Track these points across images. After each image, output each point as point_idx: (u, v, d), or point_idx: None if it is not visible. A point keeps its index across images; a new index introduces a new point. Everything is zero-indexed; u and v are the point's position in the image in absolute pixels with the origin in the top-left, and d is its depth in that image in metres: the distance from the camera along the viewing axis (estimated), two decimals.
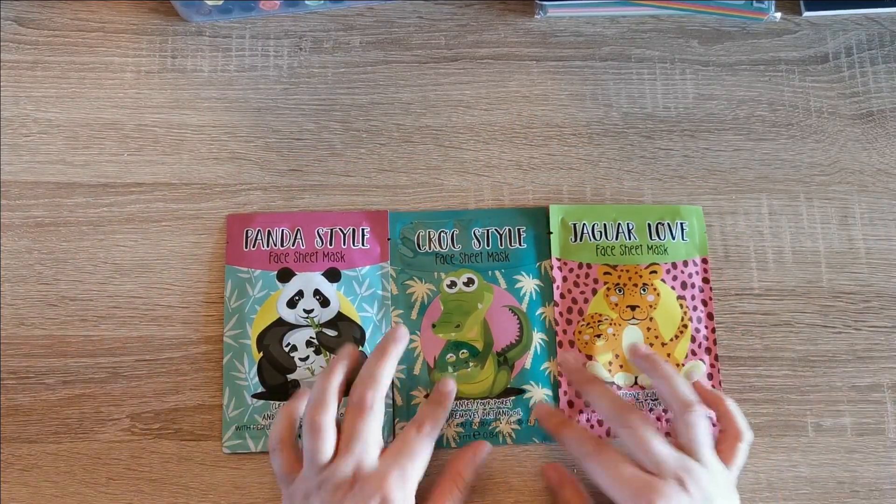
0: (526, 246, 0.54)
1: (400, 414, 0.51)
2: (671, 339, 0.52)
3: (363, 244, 0.54)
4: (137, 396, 0.51)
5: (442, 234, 0.54)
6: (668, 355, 0.52)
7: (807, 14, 0.60)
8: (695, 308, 0.53)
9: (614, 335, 0.52)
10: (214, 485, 0.50)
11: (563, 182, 0.56)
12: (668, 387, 0.47)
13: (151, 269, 0.53)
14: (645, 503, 0.42)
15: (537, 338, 0.52)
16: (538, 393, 0.52)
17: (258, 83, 0.57)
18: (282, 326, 0.52)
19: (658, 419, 0.51)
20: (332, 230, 0.54)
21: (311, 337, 0.52)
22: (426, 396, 0.51)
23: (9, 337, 0.52)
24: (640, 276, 0.53)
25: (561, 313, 0.53)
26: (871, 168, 0.57)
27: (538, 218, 0.55)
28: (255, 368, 0.51)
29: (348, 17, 0.59)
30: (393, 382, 0.51)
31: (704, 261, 0.54)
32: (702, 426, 0.45)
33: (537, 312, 0.53)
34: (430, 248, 0.54)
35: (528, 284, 0.53)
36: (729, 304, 0.54)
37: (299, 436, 0.47)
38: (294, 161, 0.56)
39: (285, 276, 0.53)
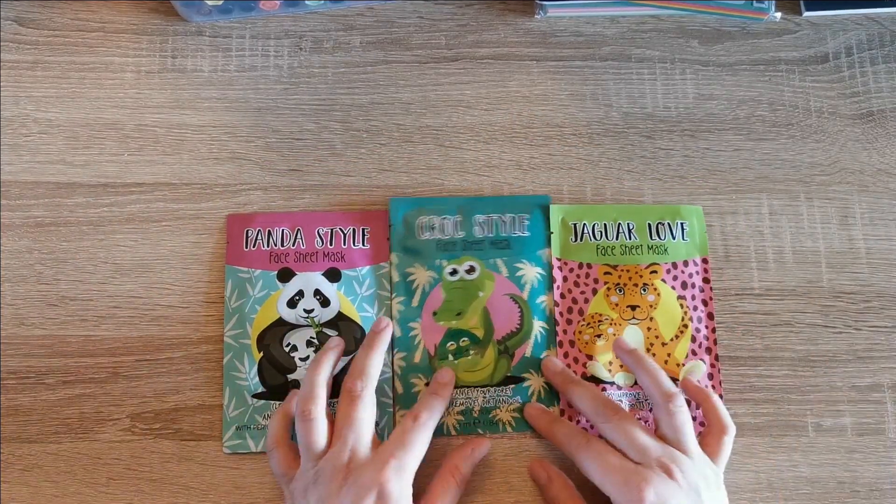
0: (528, 234, 0.54)
1: (400, 401, 0.51)
2: (671, 339, 0.52)
3: (363, 244, 0.54)
4: (138, 396, 0.51)
5: (444, 221, 0.54)
6: (669, 355, 0.52)
7: (807, 14, 0.60)
8: (695, 308, 0.53)
9: (615, 335, 0.52)
10: (215, 485, 0.50)
11: (563, 182, 0.56)
12: (650, 379, 0.48)
13: (152, 269, 0.53)
14: (634, 490, 0.43)
15: (538, 326, 0.52)
16: (538, 381, 0.52)
17: (258, 83, 0.57)
18: (282, 326, 0.52)
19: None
20: (332, 230, 0.54)
21: (311, 337, 0.52)
22: (426, 384, 0.51)
23: (9, 337, 0.52)
24: (641, 276, 0.53)
25: (561, 313, 0.53)
26: (871, 168, 0.57)
27: (541, 206, 0.55)
28: (255, 368, 0.51)
29: (348, 17, 0.59)
30: (393, 370, 0.52)
31: (705, 261, 0.54)
32: (683, 417, 0.46)
33: (538, 301, 0.53)
34: (431, 235, 0.54)
35: (530, 273, 0.53)
36: (729, 304, 0.54)
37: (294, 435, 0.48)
38: (294, 161, 0.56)
39: (285, 275, 0.53)
